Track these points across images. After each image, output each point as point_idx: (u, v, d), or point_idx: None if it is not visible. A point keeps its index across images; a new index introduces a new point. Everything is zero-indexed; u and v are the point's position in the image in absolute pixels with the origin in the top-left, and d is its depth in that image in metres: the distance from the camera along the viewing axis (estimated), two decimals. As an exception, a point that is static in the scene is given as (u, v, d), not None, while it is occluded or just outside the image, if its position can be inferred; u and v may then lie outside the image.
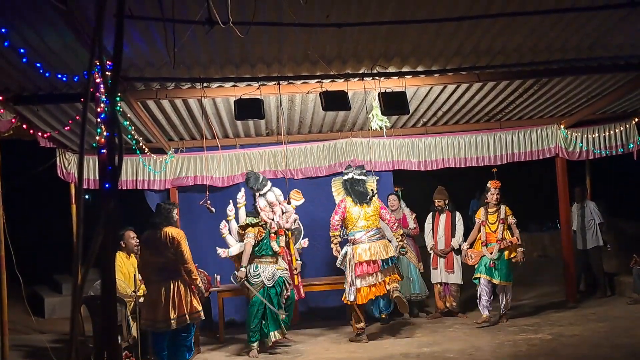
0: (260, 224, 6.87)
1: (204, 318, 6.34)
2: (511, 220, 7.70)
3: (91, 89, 4.56)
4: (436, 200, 8.53)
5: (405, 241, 7.57)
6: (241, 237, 6.92)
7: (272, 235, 6.92)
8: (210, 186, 8.16)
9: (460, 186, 12.33)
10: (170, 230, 6.00)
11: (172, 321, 5.90)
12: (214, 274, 7.68)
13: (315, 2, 4.38)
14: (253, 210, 7.03)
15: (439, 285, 8.36)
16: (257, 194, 7.00)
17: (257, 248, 6.83)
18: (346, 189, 7.40)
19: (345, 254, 7.20)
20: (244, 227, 6.88)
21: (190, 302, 6.05)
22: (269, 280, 6.78)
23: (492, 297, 7.71)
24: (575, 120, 8.43)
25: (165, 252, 5.96)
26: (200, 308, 6.14)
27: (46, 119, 6.66)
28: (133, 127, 7.06)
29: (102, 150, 4.74)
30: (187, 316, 5.99)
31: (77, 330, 5.72)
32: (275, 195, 7.07)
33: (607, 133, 8.54)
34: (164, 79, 5.84)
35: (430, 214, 8.65)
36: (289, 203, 7.35)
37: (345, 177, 7.45)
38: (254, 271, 6.80)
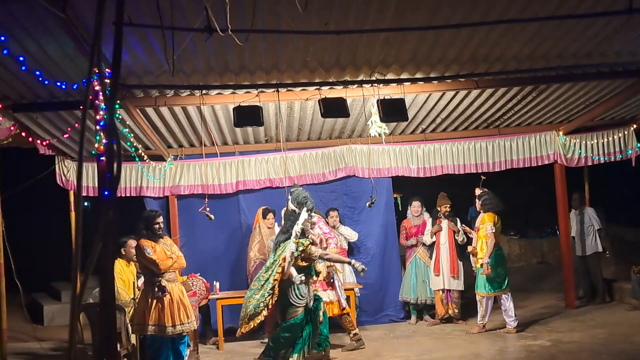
0: (312, 244, 6.26)
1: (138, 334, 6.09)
2: (482, 230, 7.47)
3: (90, 97, 4.56)
4: (443, 206, 8.44)
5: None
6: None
7: None
8: (209, 193, 8.16)
9: (459, 192, 12.30)
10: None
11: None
12: (212, 281, 7.65)
13: (313, 10, 4.40)
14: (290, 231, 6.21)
15: (440, 292, 8.34)
16: (307, 213, 6.20)
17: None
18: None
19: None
20: (305, 251, 6.11)
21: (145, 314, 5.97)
22: (311, 301, 6.26)
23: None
24: (573, 126, 8.44)
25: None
26: (142, 321, 5.92)
27: (45, 127, 6.66)
28: (132, 135, 7.07)
29: (101, 158, 4.75)
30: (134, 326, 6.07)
31: (76, 338, 5.71)
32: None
33: (606, 139, 8.54)
34: (162, 87, 5.85)
35: (430, 220, 8.62)
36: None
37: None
38: (300, 292, 6.14)
